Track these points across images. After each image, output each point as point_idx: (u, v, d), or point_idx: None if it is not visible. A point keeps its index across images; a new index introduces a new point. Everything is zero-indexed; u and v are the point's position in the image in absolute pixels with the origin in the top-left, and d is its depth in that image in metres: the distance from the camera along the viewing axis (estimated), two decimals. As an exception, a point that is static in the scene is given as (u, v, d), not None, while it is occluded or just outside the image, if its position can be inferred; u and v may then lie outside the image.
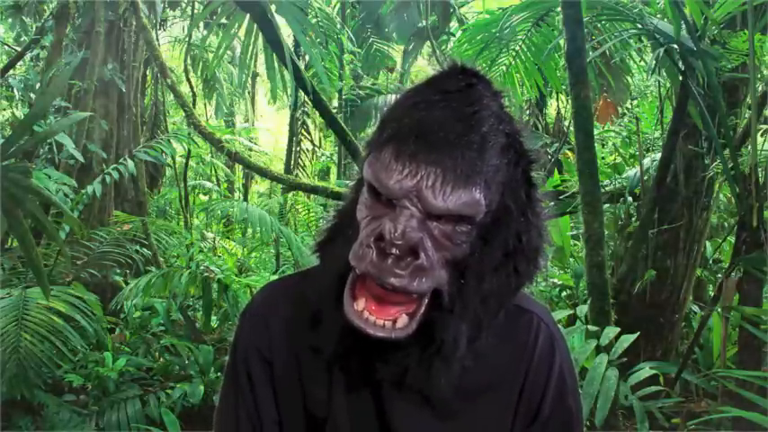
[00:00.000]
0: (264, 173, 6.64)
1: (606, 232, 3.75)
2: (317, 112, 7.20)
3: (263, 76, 9.94)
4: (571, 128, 4.10)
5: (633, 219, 4.44)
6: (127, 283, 4.91)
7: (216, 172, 10.25)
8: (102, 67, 5.68)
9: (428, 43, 8.33)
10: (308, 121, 9.38)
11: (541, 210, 0.84)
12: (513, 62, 4.80)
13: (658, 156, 4.10)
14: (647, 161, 4.47)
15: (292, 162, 8.80)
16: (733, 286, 3.32)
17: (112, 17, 6.00)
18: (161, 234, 5.81)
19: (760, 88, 3.91)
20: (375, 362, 0.82)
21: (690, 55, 3.42)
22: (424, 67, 9.79)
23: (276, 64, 4.19)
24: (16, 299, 3.79)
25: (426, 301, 0.77)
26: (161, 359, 4.73)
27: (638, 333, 3.07)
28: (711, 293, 4.64)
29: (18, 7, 6.58)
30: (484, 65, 4.91)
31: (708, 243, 4.67)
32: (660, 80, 4.87)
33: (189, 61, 8.17)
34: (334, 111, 6.51)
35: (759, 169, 3.26)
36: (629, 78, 5.92)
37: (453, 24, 8.72)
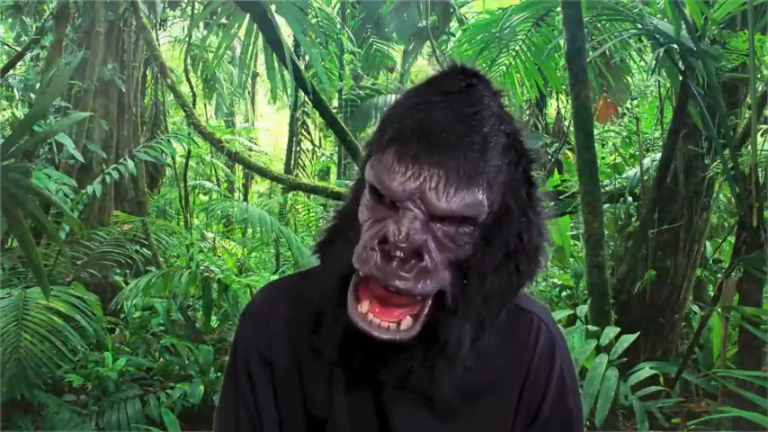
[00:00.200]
0: (264, 173, 6.64)
1: (606, 232, 3.75)
2: (316, 112, 7.20)
3: (263, 76, 9.94)
4: (571, 128, 4.10)
5: (633, 219, 4.44)
6: (127, 283, 4.91)
7: (216, 172, 10.25)
8: (102, 67, 5.68)
9: (428, 43, 8.33)
10: (308, 121, 9.38)
11: (542, 208, 0.84)
12: (513, 62, 4.80)
13: (658, 156, 4.10)
14: (647, 161, 4.47)
15: (292, 162, 8.80)
16: (733, 286, 3.32)
17: (112, 17, 6.00)
18: (161, 234, 5.81)
19: (760, 88, 3.91)
20: (378, 364, 0.82)
21: (690, 55, 3.42)
22: (424, 67, 9.79)
23: (276, 64, 4.19)
24: (16, 299, 3.79)
25: (430, 302, 0.77)
26: (161, 359, 4.73)
27: (638, 333, 3.07)
28: (711, 293, 4.64)
29: (18, 7, 6.58)
30: (484, 65, 4.91)
31: (708, 243, 4.67)
32: (660, 80, 4.87)
33: (189, 61, 8.17)
34: (334, 111, 6.51)
35: (759, 169, 3.26)
36: (629, 78, 5.92)
37: (453, 24, 8.72)
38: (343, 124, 5.03)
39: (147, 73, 7.32)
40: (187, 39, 7.96)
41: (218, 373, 4.32)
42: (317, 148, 9.96)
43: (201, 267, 4.78)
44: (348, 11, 8.92)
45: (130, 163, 4.88)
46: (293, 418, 0.93)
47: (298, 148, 9.01)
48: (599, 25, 4.37)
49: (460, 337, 0.80)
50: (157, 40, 6.86)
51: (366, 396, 0.89)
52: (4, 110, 6.60)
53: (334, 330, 0.82)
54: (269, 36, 3.96)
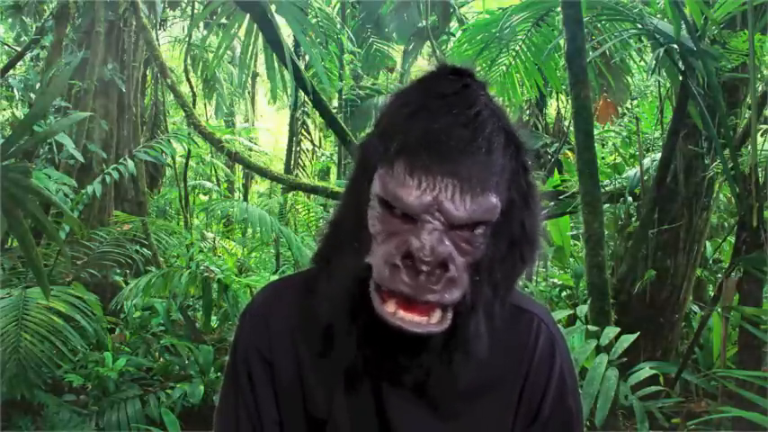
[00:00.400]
0: (264, 173, 6.64)
1: (606, 232, 3.75)
2: (316, 112, 7.20)
3: (263, 76, 9.94)
4: (571, 128, 4.10)
5: (633, 219, 4.44)
6: (127, 283, 4.91)
7: (216, 172, 10.25)
8: (102, 67, 5.68)
9: (428, 43, 8.33)
10: (308, 121, 9.38)
11: (538, 192, 0.84)
12: (513, 62, 4.80)
13: (658, 156, 4.10)
14: (647, 161, 4.47)
15: (292, 162, 8.80)
16: (733, 286, 3.32)
17: (112, 17, 6.00)
18: (161, 234, 5.81)
19: (760, 88, 3.91)
20: (397, 367, 0.83)
21: (690, 55, 3.41)
22: (424, 67, 9.78)
23: (276, 64, 4.19)
24: (16, 299, 3.79)
25: None
26: (161, 359, 4.73)
27: (638, 333, 3.07)
28: (711, 293, 4.64)
29: (18, 7, 6.58)
30: (484, 65, 4.91)
31: (708, 243, 4.67)
32: (660, 80, 4.87)
33: (189, 61, 8.17)
34: (334, 111, 6.52)
35: (759, 169, 3.26)
36: (629, 78, 5.92)
37: (453, 24, 8.72)
38: (343, 124, 5.03)
39: (147, 73, 7.31)
40: (187, 39, 7.96)
41: (218, 373, 4.32)
42: (317, 148, 9.96)
43: (201, 267, 4.78)
44: (348, 11, 8.92)
45: (130, 163, 4.88)
46: (293, 418, 0.93)
47: (298, 148, 9.01)
48: (599, 25, 4.37)
49: (477, 331, 0.81)
50: (157, 40, 6.86)
51: (366, 396, 0.89)
52: (4, 110, 6.60)
53: (347, 343, 0.83)
54: (269, 36, 3.95)
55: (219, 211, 6.89)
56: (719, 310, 3.42)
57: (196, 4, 7.62)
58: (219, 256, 7.07)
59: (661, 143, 4.68)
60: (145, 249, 5.50)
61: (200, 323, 5.19)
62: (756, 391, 2.75)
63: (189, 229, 6.89)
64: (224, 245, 8.47)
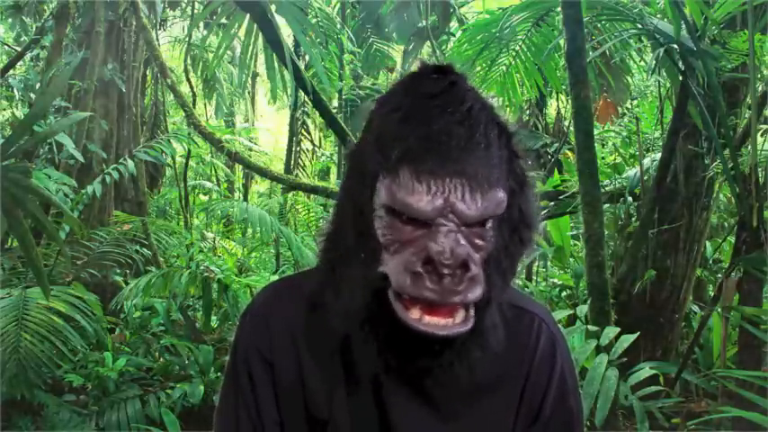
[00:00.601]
0: (264, 173, 6.64)
1: (606, 232, 3.75)
2: (316, 112, 7.20)
3: (263, 76, 9.93)
4: (571, 128, 4.09)
5: (633, 219, 4.44)
6: (127, 283, 4.91)
7: (216, 172, 10.25)
8: (102, 67, 5.68)
9: (428, 43, 8.33)
10: (308, 121, 9.38)
11: (528, 174, 0.84)
12: (513, 62, 4.80)
13: (658, 156, 4.10)
14: (647, 161, 4.47)
15: (292, 162, 8.79)
16: (733, 286, 3.32)
17: (112, 17, 6.00)
18: (161, 234, 5.81)
19: (760, 88, 3.91)
20: (421, 371, 0.83)
21: (690, 55, 3.42)
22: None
23: (276, 64, 4.19)
24: (16, 299, 3.79)
25: None
26: (161, 359, 4.73)
27: (638, 333, 3.07)
28: (711, 293, 4.64)
29: (18, 7, 6.58)
30: (484, 65, 4.91)
31: (708, 243, 4.67)
32: (660, 80, 4.87)
33: (189, 61, 8.17)
34: (334, 111, 6.51)
35: (759, 169, 3.26)
36: (629, 78, 5.92)
37: (453, 24, 8.72)
38: (343, 124, 5.03)
39: (147, 73, 7.31)
40: (187, 39, 7.96)
41: (218, 373, 4.32)
42: (317, 148, 9.96)
43: (201, 267, 4.78)
44: (348, 11, 8.91)
45: (130, 163, 4.88)
46: (294, 419, 0.93)
47: (298, 148, 9.01)
48: (599, 25, 4.37)
49: (493, 322, 0.82)
50: (157, 40, 6.86)
51: (367, 397, 0.89)
52: (4, 110, 6.60)
53: (367, 352, 0.83)
54: (269, 36, 3.95)
55: (219, 211, 6.89)
56: (719, 310, 3.42)
57: (196, 4, 7.62)
58: (219, 256, 7.07)
59: (661, 143, 4.68)
60: (145, 249, 5.50)
61: (200, 323, 5.19)
62: (756, 391, 2.75)
63: (189, 229, 6.89)
64: (224, 245, 8.47)
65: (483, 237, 0.77)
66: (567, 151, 6.41)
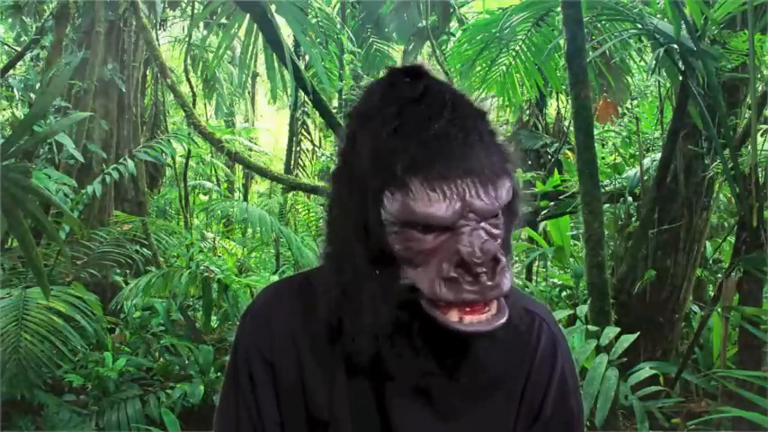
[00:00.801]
0: (264, 173, 6.64)
1: (606, 232, 3.75)
2: (316, 112, 7.20)
3: (263, 76, 9.93)
4: (571, 128, 4.10)
5: (633, 219, 4.44)
6: (127, 283, 4.91)
7: (216, 172, 10.24)
8: (102, 67, 5.68)
9: (428, 43, 8.33)
10: (308, 121, 9.37)
11: (504, 143, 0.83)
12: (513, 62, 4.81)
13: (658, 156, 4.10)
14: (647, 161, 4.47)
15: (292, 162, 8.79)
16: (733, 286, 3.32)
17: (112, 17, 6.00)
18: (161, 234, 5.81)
19: (760, 88, 3.91)
20: (456, 369, 0.83)
21: (690, 55, 3.41)
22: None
23: (276, 64, 4.19)
24: (16, 299, 3.79)
25: None
26: (161, 359, 4.73)
27: (638, 333, 3.07)
28: (711, 293, 4.64)
29: (18, 7, 6.58)
30: (484, 65, 4.91)
31: (708, 243, 4.67)
32: (660, 80, 4.87)
33: (189, 61, 8.17)
34: (334, 111, 6.51)
35: (759, 169, 3.26)
36: (629, 78, 5.91)
37: (453, 24, 8.71)
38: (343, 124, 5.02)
39: (147, 73, 7.31)
40: (187, 39, 7.96)
41: (218, 373, 4.32)
42: (317, 148, 9.95)
43: (201, 267, 4.78)
44: (348, 11, 8.91)
45: (130, 163, 4.88)
46: (295, 419, 0.92)
47: (298, 148, 9.01)
48: (599, 25, 4.37)
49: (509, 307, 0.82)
50: (157, 40, 6.86)
51: (368, 397, 0.89)
52: (4, 110, 6.60)
53: (399, 363, 0.83)
54: (269, 36, 3.95)
55: (219, 211, 6.89)
56: (719, 310, 3.42)
57: (196, 4, 7.62)
58: (219, 256, 7.07)
59: (661, 143, 4.68)
60: (145, 249, 5.50)
61: (200, 323, 5.19)
62: (756, 391, 2.75)
63: (189, 229, 6.89)
64: (224, 245, 8.47)
65: (497, 225, 0.78)
66: (567, 151, 6.42)
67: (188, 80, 7.90)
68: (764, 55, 4.19)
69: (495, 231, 0.77)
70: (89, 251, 4.76)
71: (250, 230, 8.64)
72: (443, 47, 8.18)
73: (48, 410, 3.79)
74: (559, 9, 3.68)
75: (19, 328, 3.61)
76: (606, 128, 6.50)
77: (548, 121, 8.47)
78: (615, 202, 4.61)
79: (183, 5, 8.07)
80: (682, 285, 4.09)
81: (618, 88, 5.82)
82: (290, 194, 6.86)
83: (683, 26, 3.35)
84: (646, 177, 4.25)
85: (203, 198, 9.86)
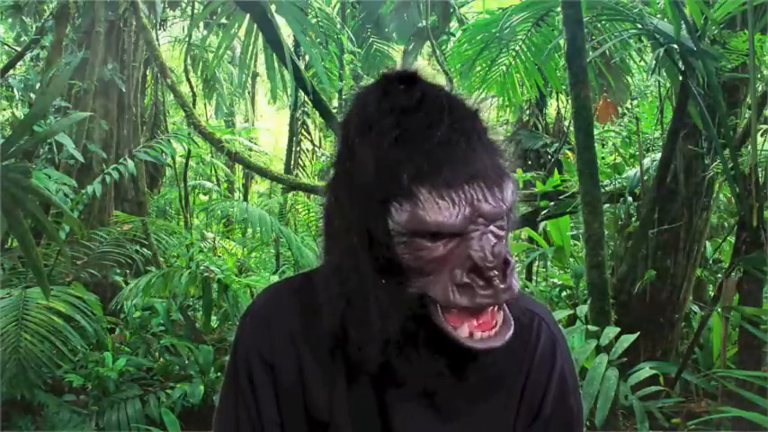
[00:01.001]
0: (264, 173, 6.64)
1: (606, 232, 3.75)
2: (316, 112, 7.20)
3: (263, 76, 9.93)
4: (571, 128, 4.10)
5: (633, 219, 4.44)
6: (127, 283, 4.91)
7: (216, 172, 10.25)
8: (102, 67, 5.68)
9: (428, 43, 8.33)
10: (308, 121, 9.37)
11: (497, 138, 0.83)
12: (513, 62, 4.81)
13: (658, 156, 4.10)
14: (647, 161, 4.47)
15: (292, 162, 8.79)
16: (733, 286, 3.32)
17: (112, 17, 6.00)
18: (161, 234, 5.81)
19: (760, 88, 3.91)
20: (462, 374, 0.84)
21: (690, 55, 3.42)
22: (424, 68, 9.76)
23: (276, 64, 4.19)
24: (16, 299, 3.79)
25: None
26: (161, 359, 4.73)
27: (638, 333, 3.07)
28: (711, 293, 4.64)
29: (18, 7, 6.58)
30: (484, 65, 4.91)
31: (708, 243, 4.67)
32: (660, 80, 4.87)
33: (189, 61, 8.17)
34: (334, 111, 6.51)
35: (759, 169, 3.26)
36: (629, 78, 5.92)
37: (453, 24, 8.71)
38: (343, 124, 5.01)
39: (147, 73, 7.31)
40: (187, 39, 7.96)
41: (218, 373, 4.32)
42: (316, 148, 9.95)
43: (201, 267, 4.78)
44: (348, 11, 8.91)
45: (130, 163, 4.88)
46: (294, 420, 0.92)
47: (298, 148, 9.00)
48: (599, 25, 4.37)
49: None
50: (157, 40, 6.86)
51: (369, 398, 0.89)
52: (4, 110, 6.61)
53: (405, 367, 0.83)
54: (269, 36, 3.96)
55: (219, 211, 6.89)
56: (719, 310, 3.42)
57: (196, 4, 7.62)
58: (219, 256, 7.07)
59: (661, 143, 4.68)
60: (145, 249, 5.50)
61: (200, 323, 5.19)
62: (756, 391, 2.75)
63: (189, 229, 6.89)
64: (224, 245, 8.47)
65: (502, 227, 0.78)
66: (567, 151, 6.41)
67: (188, 80, 7.90)
68: (764, 55, 4.19)
69: (502, 233, 0.78)
70: (89, 251, 4.76)
71: (250, 230, 8.64)
72: (443, 47, 8.18)
73: (48, 410, 3.79)
74: (559, 9, 3.68)
75: (19, 328, 3.61)
76: (606, 128, 6.50)
77: (548, 121, 8.47)
78: (615, 202, 4.61)
79: (183, 5, 8.07)
80: (682, 285, 4.09)
81: (618, 88, 5.82)
82: (290, 194, 6.86)
83: (683, 26, 3.35)
84: (646, 177, 4.25)
85: (203, 198, 9.86)
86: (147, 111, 7.45)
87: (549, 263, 6.25)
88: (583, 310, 3.31)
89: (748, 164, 3.23)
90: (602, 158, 5.52)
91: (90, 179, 5.01)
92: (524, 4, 4.43)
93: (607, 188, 4.67)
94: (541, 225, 5.62)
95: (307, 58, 6.73)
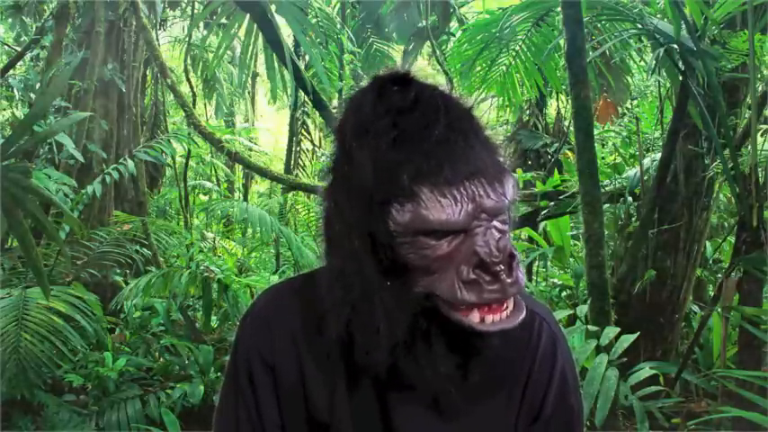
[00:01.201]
0: (264, 173, 6.64)
1: (606, 232, 3.75)
2: (316, 112, 7.20)
3: (263, 76, 9.93)
4: (571, 128, 4.10)
5: (633, 219, 4.44)
6: (127, 283, 4.91)
7: (216, 172, 10.25)
8: (102, 67, 5.68)
9: (428, 43, 8.33)
10: (308, 121, 9.37)
11: (492, 133, 0.84)
12: (513, 62, 4.81)
13: (658, 156, 4.10)
14: (647, 161, 4.47)
15: (292, 162, 8.79)
16: (733, 286, 3.32)
17: (112, 17, 6.00)
18: (161, 234, 5.81)
19: (760, 88, 3.91)
20: (468, 364, 0.84)
21: (690, 55, 3.42)
22: (424, 68, 9.78)
23: (276, 64, 4.20)
24: (16, 299, 3.79)
25: None
26: (161, 359, 4.73)
27: (638, 333, 3.07)
28: (711, 293, 4.64)
29: (18, 7, 6.58)
30: (484, 65, 4.92)
31: (708, 243, 4.67)
32: (660, 80, 4.87)
33: (189, 61, 8.17)
34: (334, 111, 6.51)
35: (759, 169, 3.26)
36: (629, 78, 5.92)
37: (453, 24, 8.71)
38: (343, 124, 5.01)
39: (147, 73, 7.31)
40: (187, 39, 7.96)
41: (218, 373, 4.32)
42: (317, 148, 9.95)
43: (201, 267, 4.78)
44: (348, 11, 8.91)
45: (130, 163, 4.88)
46: (295, 421, 0.92)
47: (298, 148, 9.00)
48: (599, 25, 4.37)
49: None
50: (157, 40, 6.86)
51: (370, 399, 0.89)
52: (4, 110, 6.61)
53: (414, 368, 0.83)
54: (269, 36, 3.96)
55: (219, 211, 6.89)
56: (719, 310, 3.42)
57: (196, 4, 7.62)
58: (219, 256, 7.08)
59: (661, 143, 4.68)
60: (145, 249, 5.50)
61: (200, 323, 5.19)
62: (756, 391, 2.75)
63: (189, 229, 6.89)
64: (224, 245, 8.47)
65: (505, 221, 0.78)
66: (567, 151, 6.41)
67: (188, 80, 7.90)
68: (764, 55, 4.19)
69: (505, 228, 0.78)
70: (89, 251, 4.76)
71: (250, 230, 8.64)
72: (443, 47, 8.18)
73: (48, 410, 3.79)
74: (559, 9, 3.68)
75: (19, 328, 3.61)
76: (606, 128, 6.50)
77: (548, 121, 8.47)
78: (615, 202, 4.61)
79: (183, 5, 8.07)
80: (682, 285, 4.09)
81: (618, 88, 5.82)
82: (290, 194, 6.86)
83: (683, 26, 3.35)
84: (646, 177, 4.25)
85: (203, 198, 9.86)
86: (147, 111, 7.45)
87: (549, 263, 6.25)
88: (583, 310, 3.31)
89: (748, 164, 3.23)
90: (602, 158, 5.52)
91: (90, 179, 5.01)
92: (524, 4, 4.43)
93: (607, 188, 4.67)
94: (541, 225, 5.62)
95: (307, 58, 6.72)
